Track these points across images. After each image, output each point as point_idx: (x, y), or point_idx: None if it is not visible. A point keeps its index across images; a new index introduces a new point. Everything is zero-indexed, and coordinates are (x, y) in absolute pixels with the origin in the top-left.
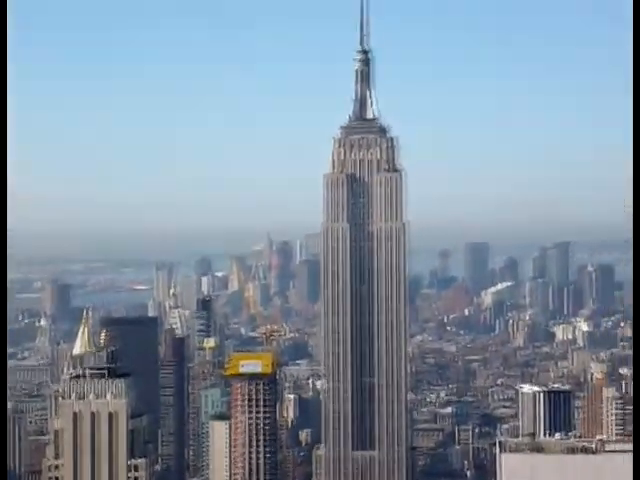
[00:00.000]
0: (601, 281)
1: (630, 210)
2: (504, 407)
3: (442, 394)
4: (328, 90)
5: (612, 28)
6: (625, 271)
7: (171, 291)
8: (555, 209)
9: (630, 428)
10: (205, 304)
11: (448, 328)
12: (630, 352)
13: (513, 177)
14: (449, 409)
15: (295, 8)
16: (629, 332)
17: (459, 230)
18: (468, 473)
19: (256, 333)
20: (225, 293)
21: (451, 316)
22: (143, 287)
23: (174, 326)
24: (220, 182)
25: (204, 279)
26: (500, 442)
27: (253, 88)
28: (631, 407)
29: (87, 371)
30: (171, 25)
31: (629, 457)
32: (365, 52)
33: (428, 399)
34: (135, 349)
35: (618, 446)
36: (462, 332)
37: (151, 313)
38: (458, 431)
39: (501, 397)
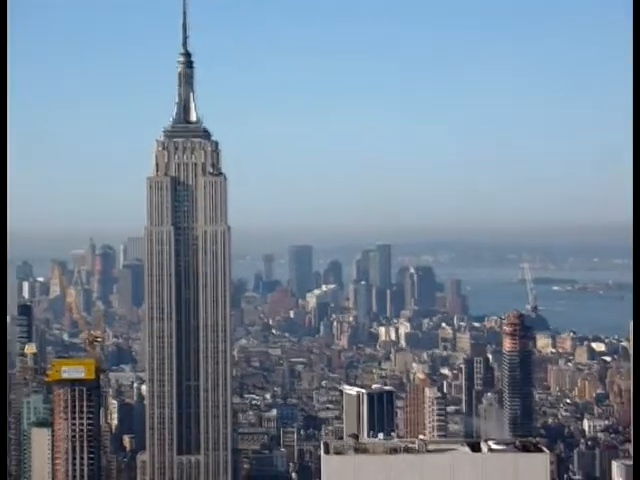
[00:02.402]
0: (422, 283)
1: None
2: (328, 409)
3: (267, 397)
4: (153, 92)
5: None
6: (445, 272)
7: None
8: (376, 212)
9: (452, 428)
10: (25, 309)
11: (273, 331)
12: (452, 352)
13: (335, 180)
14: (274, 412)
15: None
16: (449, 333)
17: (282, 234)
18: (293, 475)
19: (78, 339)
20: (46, 298)
21: (276, 319)
22: None
23: None
24: (40, 183)
25: (25, 284)
26: (324, 443)
27: (82, 89)
28: (451, 407)
29: None
30: None
31: (451, 456)
32: (187, 54)
33: (253, 402)
34: None
35: (440, 446)
36: (287, 335)
37: None
38: (283, 433)
39: (325, 399)
